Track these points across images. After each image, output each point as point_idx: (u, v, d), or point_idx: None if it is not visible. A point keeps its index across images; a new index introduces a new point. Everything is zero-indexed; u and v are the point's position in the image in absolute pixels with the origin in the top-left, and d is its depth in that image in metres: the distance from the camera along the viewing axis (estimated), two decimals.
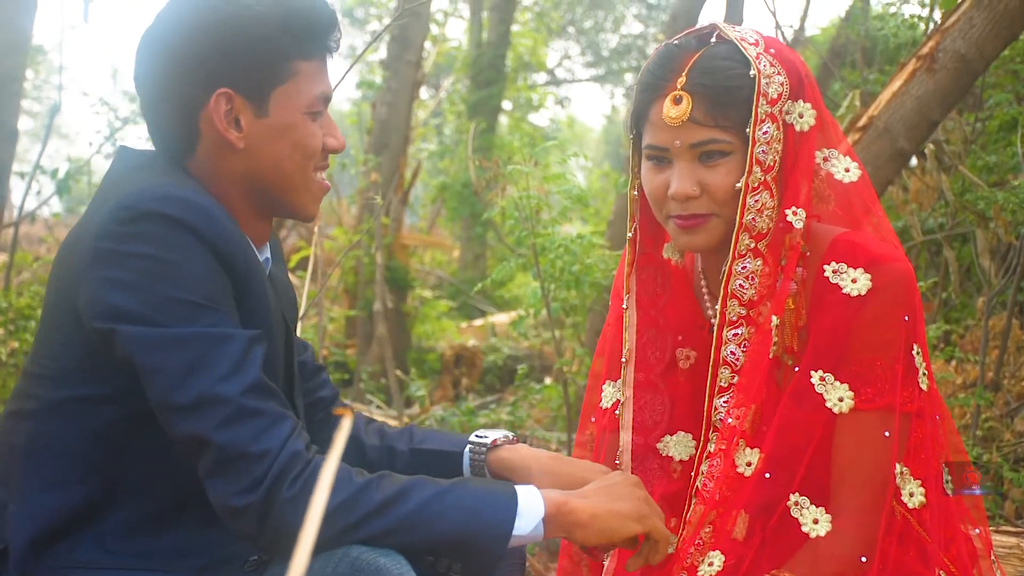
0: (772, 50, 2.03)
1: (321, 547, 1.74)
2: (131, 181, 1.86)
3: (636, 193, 2.21)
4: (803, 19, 7.98)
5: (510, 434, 2.23)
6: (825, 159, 2.09)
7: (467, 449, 2.21)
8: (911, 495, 2.00)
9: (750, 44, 2.03)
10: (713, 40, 2.07)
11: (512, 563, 2.10)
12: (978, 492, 2.11)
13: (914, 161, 5.95)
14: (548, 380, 6.80)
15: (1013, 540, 2.80)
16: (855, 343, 1.98)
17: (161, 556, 1.90)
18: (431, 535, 1.79)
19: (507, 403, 6.74)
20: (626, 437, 2.26)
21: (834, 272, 2.01)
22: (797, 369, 2.02)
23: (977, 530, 2.13)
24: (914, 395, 2.00)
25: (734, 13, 5.68)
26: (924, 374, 2.03)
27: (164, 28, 1.92)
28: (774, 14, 5.45)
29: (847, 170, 2.09)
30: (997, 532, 2.82)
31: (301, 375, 2.29)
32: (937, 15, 5.85)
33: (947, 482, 2.08)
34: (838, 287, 2.00)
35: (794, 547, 1.98)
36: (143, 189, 1.81)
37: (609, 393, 2.36)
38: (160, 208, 1.78)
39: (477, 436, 2.21)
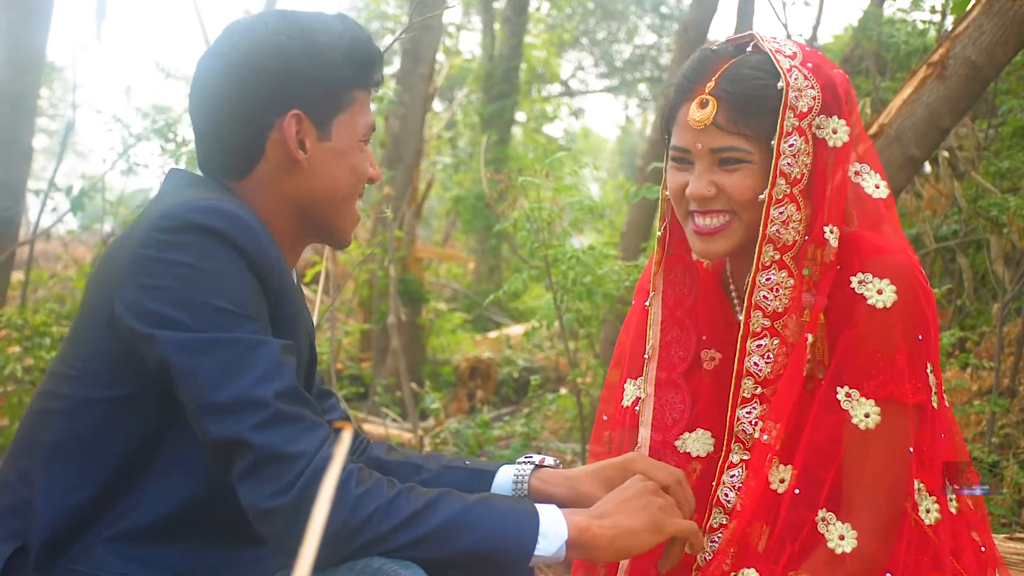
0: (809, 64, 2.03)
1: (350, 556, 1.76)
2: (177, 196, 1.92)
3: (667, 193, 2.22)
4: (815, 28, 7.98)
5: (557, 460, 2.24)
6: (856, 173, 2.09)
7: (514, 468, 2.20)
8: (927, 511, 2.00)
9: (785, 56, 2.03)
10: (749, 49, 2.08)
11: None
12: (979, 492, 2.10)
13: (927, 168, 5.93)
14: (563, 391, 6.79)
15: None
16: (859, 343, 1.99)
17: (172, 567, 1.91)
18: (456, 550, 1.80)
19: (522, 415, 6.74)
20: (645, 433, 2.27)
21: (860, 283, 2.01)
22: (821, 378, 2.02)
23: (978, 537, 2.13)
24: (920, 388, 2.00)
25: (744, 23, 5.69)
26: (935, 393, 2.03)
27: (239, 51, 1.98)
28: (785, 25, 5.46)
29: (877, 186, 2.10)
30: (1011, 539, 2.80)
31: None
32: (948, 22, 5.84)
33: (949, 491, 2.07)
34: (863, 297, 2.00)
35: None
36: (186, 201, 1.87)
37: (630, 391, 2.36)
38: (201, 219, 1.84)
39: (526, 456, 2.23)
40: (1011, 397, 4.57)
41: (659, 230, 2.30)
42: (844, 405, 1.99)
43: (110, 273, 1.91)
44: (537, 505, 1.89)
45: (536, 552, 1.83)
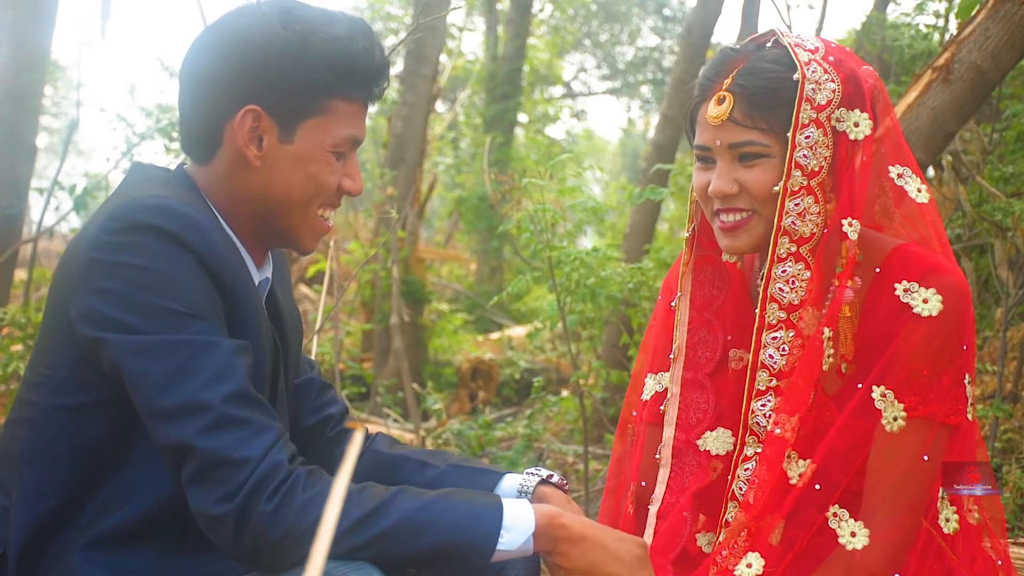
0: (831, 58, 2.02)
1: (298, 561, 1.74)
2: (129, 194, 1.89)
3: (695, 195, 2.21)
4: (818, 31, 7.98)
5: (562, 478, 2.20)
6: (899, 175, 2.09)
7: (520, 476, 2.16)
8: (947, 520, 2.01)
9: (805, 50, 2.02)
10: (769, 45, 2.07)
11: (527, 571, 2.07)
12: (979, 492, 2.09)
13: (931, 172, 5.92)
14: (565, 393, 6.79)
15: None
16: (907, 352, 1.98)
17: (144, 570, 1.90)
18: (412, 548, 1.78)
19: (524, 416, 6.75)
20: (669, 432, 2.27)
21: (905, 291, 2.00)
22: (860, 386, 2.01)
23: (988, 543, 2.13)
24: (960, 408, 2.00)
25: (749, 25, 5.69)
26: (971, 404, 2.03)
27: (219, 33, 1.95)
28: (789, 27, 5.44)
29: (919, 190, 2.09)
30: (1014, 544, 2.80)
31: (308, 393, 2.30)
32: (952, 26, 5.84)
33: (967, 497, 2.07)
34: (909, 306, 1.99)
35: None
36: (135, 200, 1.83)
37: (650, 385, 2.36)
38: (149, 219, 1.80)
39: (536, 469, 2.19)
40: (1014, 402, 4.57)
41: (687, 231, 2.29)
42: (878, 404, 1.98)
43: (65, 276, 1.89)
44: (504, 499, 1.87)
45: (499, 547, 1.80)
